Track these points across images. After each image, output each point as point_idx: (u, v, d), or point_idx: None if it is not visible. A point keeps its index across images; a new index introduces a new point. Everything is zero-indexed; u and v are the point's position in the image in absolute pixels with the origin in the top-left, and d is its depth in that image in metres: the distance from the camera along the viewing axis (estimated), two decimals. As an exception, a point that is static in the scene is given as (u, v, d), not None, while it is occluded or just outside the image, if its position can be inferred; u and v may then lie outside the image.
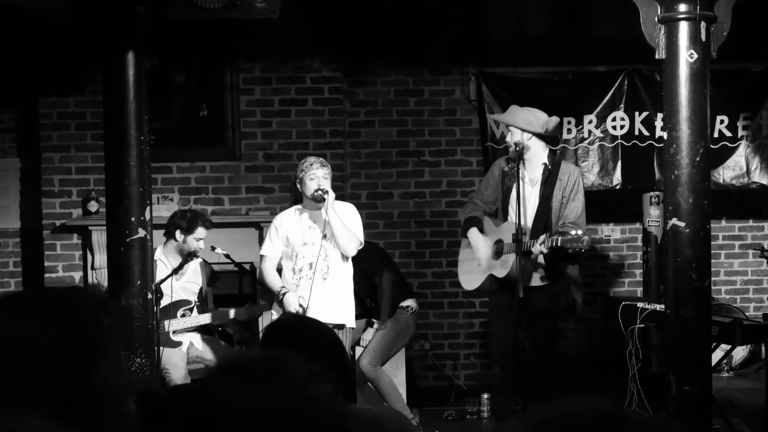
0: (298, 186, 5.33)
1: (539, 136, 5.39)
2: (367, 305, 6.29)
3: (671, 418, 4.46)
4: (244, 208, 7.15)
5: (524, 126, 5.38)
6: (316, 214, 5.30)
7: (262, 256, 5.51)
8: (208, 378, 1.39)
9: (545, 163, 5.41)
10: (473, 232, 5.53)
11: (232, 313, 5.98)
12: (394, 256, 6.99)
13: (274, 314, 5.39)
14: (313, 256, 5.28)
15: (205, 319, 5.99)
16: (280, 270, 5.49)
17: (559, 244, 5.07)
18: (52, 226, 7.10)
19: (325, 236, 5.27)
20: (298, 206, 5.42)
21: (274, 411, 1.30)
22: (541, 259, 5.30)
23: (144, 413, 1.38)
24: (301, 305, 5.16)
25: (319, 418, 1.34)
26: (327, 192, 5.16)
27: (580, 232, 5.03)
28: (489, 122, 7.23)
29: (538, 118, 5.40)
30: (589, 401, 1.21)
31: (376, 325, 6.17)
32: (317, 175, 5.23)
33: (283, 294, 5.26)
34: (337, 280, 5.32)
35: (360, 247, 5.34)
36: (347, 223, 5.26)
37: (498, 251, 5.40)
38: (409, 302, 6.31)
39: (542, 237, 5.12)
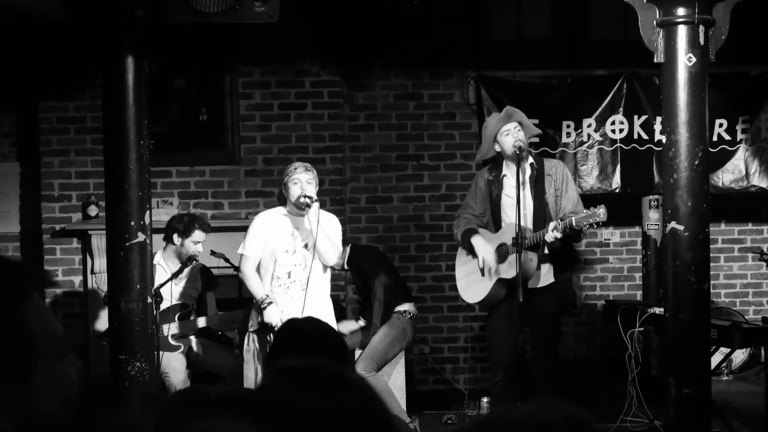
0: (284, 191, 5.23)
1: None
2: (363, 307, 6.29)
3: None
4: (243, 212, 7.15)
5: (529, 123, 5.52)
6: (299, 221, 5.21)
7: (242, 256, 5.32)
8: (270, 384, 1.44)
9: (532, 163, 5.43)
10: (477, 239, 5.44)
11: (201, 321, 5.96)
12: (393, 259, 6.98)
13: (253, 320, 5.33)
14: (294, 265, 5.22)
15: (202, 322, 5.99)
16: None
17: (574, 225, 5.08)
18: (52, 231, 7.11)
19: (306, 246, 5.21)
20: (282, 209, 5.31)
21: (344, 410, 1.35)
22: (550, 247, 5.24)
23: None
24: (282, 320, 5.03)
25: (379, 416, 1.38)
26: (312, 199, 5.05)
27: (593, 208, 5.07)
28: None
29: None
30: (537, 408, 1.21)
31: (361, 322, 6.16)
32: (300, 180, 5.12)
33: (268, 303, 5.16)
34: (316, 290, 5.23)
35: (341, 260, 5.31)
36: (330, 233, 5.17)
37: (503, 254, 5.35)
38: (407, 306, 6.27)
39: (552, 224, 5.11)
